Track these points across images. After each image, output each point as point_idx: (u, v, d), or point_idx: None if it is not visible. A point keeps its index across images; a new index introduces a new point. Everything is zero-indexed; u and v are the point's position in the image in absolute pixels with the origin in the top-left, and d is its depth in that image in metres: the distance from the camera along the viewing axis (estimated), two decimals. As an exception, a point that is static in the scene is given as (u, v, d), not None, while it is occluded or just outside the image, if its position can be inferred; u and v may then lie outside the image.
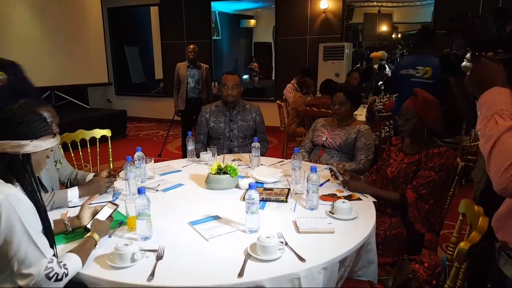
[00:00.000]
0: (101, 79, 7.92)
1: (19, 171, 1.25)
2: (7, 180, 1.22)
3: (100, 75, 7.87)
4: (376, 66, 8.43)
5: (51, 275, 1.19)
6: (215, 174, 2.07)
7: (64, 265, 1.24)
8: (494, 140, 0.96)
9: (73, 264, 1.27)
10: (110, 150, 2.99)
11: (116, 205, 1.64)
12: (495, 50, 1.13)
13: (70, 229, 1.59)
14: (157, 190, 2.09)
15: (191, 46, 4.92)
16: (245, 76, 10.72)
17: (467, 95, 1.62)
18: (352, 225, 1.66)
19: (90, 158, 2.85)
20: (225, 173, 2.07)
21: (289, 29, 6.58)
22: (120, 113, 7.44)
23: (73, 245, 1.44)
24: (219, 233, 1.57)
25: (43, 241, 1.23)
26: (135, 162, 2.14)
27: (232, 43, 10.79)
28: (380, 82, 6.93)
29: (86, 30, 7.54)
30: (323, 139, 2.68)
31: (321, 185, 2.12)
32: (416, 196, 1.94)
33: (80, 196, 1.93)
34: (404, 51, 13.19)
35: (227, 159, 2.61)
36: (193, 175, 2.34)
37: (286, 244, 1.46)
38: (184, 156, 5.05)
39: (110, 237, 1.56)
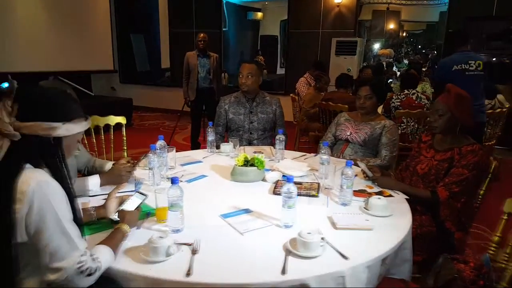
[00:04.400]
0: (106, 66, 7.81)
1: (50, 155, 1.18)
2: (36, 165, 1.14)
3: (105, 62, 7.76)
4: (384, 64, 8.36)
5: (83, 269, 1.11)
6: (241, 166, 2.00)
7: (97, 258, 1.17)
8: None
9: (105, 258, 1.20)
10: (125, 138, 2.91)
11: (145, 195, 1.57)
12: None
13: (96, 219, 1.52)
14: (181, 181, 2.02)
15: (201, 35, 4.82)
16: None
17: None
18: (389, 222, 1.60)
19: (103, 146, 2.78)
20: (252, 165, 2.00)
21: (301, 22, 6.47)
22: (126, 101, 7.34)
23: (98, 237, 1.36)
24: (253, 227, 1.50)
25: (76, 232, 1.15)
26: (157, 151, 2.06)
27: (238, 35, 10.66)
28: (390, 80, 6.87)
29: (92, 16, 7.42)
30: (347, 134, 2.60)
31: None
32: (448, 194, 1.88)
33: (101, 185, 1.86)
34: (408, 50, 13.13)
35: (248, 152, 2.53)
36: (215, 166, 2.27)
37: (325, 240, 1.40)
38: (193, 147, 4.99)
39: (138, 228, 1.50)
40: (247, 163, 2.01)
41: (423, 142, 2.18)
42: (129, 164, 1.99)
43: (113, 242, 1.29)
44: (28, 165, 1.12)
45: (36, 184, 1.07)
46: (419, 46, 13.10)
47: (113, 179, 1.90)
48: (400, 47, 12.43)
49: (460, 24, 5.46)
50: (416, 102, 3.74)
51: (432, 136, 2.15)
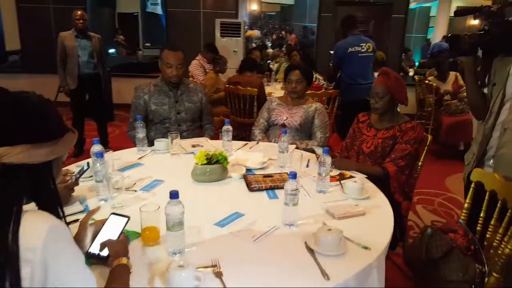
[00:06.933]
0: None
1: (41, 187, 0.86)
2: (19, 201, 0.82)
3: None
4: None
5: None
6: (204, 164, 1.80)
7: None
8: None
9: None
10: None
11: (125, 216, 1.27)
12: None
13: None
14: (135, 191, 1.72)
15: (78, 13, 4.07)
16: (112, 50, 9.81)
17: (477, 80, 1.76)
18: (371, 204, 1.66)
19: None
20: (216, 162, 1.82)
21: (180, 0, 6.08)
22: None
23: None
24: (259, 232, 1.37)
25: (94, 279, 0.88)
26: (101, 159, 1.69)
27: (93, 12, 9.54)
28: (268, 61, 7.14)
29: None
30: (284, 119, 2.60)
31: (306, 166, 2.07)
32: (396, 169, 2.05)
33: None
34: (266, 31, 13.90)
35: (185, 146, 2.30)
36: (162, 168, 2.00)
37: (337, 234, 1.37)
38: (77, 146, 4.25)
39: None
40: (210, 160, 1.82)
41: (361, 122, 2.32)
42: (68, 178, 1.60)
43: (123, 284, 1.02)
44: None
45: (47, 233, 0.76)
46: (273, 29, 14.02)
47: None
48: (262, 28, 13.07)
49: (331, 8, 5.99)
50: (315, 82, 3.97)
51: (368, 115, 2.31)
